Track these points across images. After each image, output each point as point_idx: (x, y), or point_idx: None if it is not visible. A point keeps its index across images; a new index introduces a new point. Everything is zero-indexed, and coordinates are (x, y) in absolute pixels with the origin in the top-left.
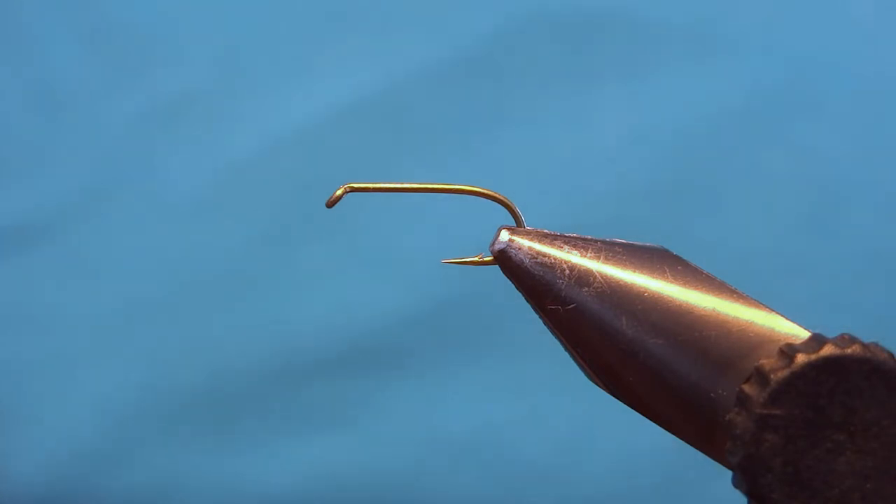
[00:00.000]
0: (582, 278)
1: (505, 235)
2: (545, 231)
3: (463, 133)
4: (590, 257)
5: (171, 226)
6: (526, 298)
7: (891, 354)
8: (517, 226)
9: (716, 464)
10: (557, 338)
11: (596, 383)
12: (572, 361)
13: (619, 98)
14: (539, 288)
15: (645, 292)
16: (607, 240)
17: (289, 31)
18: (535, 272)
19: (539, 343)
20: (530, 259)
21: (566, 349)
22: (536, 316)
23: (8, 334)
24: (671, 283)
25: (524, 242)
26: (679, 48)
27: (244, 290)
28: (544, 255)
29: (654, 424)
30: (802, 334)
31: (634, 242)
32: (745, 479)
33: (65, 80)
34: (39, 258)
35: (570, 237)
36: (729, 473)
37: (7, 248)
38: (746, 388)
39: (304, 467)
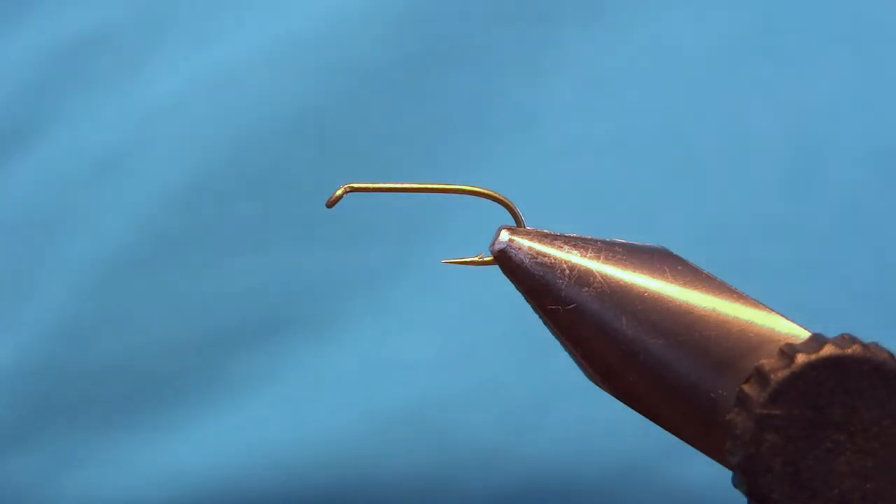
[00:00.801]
0: (582, 278)
1: (505, 235)
2: (545, 231)
3: (405, 78)
4: (590, 257)
5: (74, 182)
6: (526, 298)
7: (891, 354)
8: (517, 226)
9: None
10: (557, 338)
11: (596, 383)
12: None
13: (580, 42)
14: (539, 288)
15: (645, 292)
16: (607, 240)
17: None
18: (535, 272)
19: (485, 306)
20: (530, 259)
21: (566, 349)
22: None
23: None
24: (671, 283)
25: (524, 242)
26: None
27: (158, 255)
28: (544, 255)
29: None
30: (802, 334)
31: (634, 242)
32: (745, 479)
33: None
34: None
35: (570, 237)
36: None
37: None
38: (746, 388)
39: (226, 445)
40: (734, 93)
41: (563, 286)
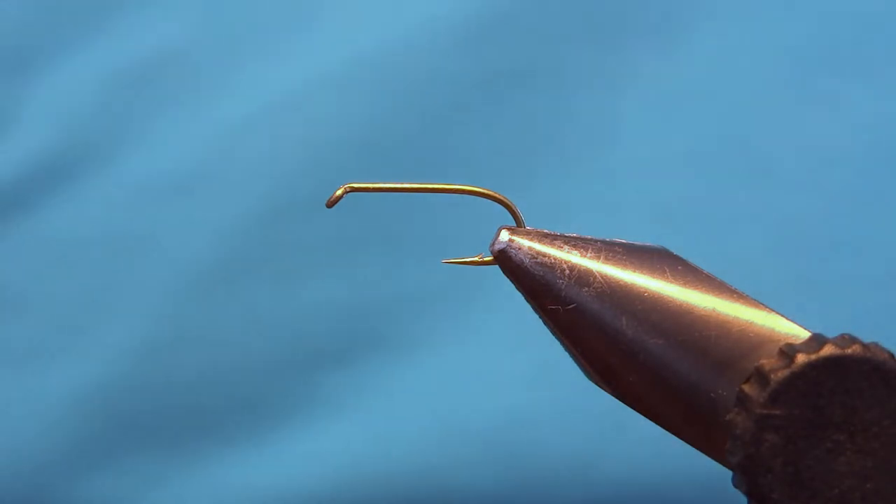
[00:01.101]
0: (582, 278)
1: (505, 235)
2: (545, 231)
3: (482, 95)
4: (590, 257)
5: (153, 201)
6: (526, 298)
7: (891, 354)
8: (517, 226)
9: None
10: (558, 338)
11: (596, 383)
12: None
13: (654, 61)
14: (539, 288)
15: (645, 292)
16: (607, 240)
17: None
18: (535, 272)
19: None
20: (530, 259)
21: (567, 349)
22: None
23: None
24: (671, 283)
25: (524, 242)
26: (716, 5)
27: (235, 275)
28: (544, 255)
29: None
30: (802, 334)
31: (634, 242)
32: (745, 479)
33: (28, 35)
34: (4, 233)
35: (570, 237)
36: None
37: None
38: (746, 388)
39: (313, 463)
40: (806, 107)
41: (563, 286)
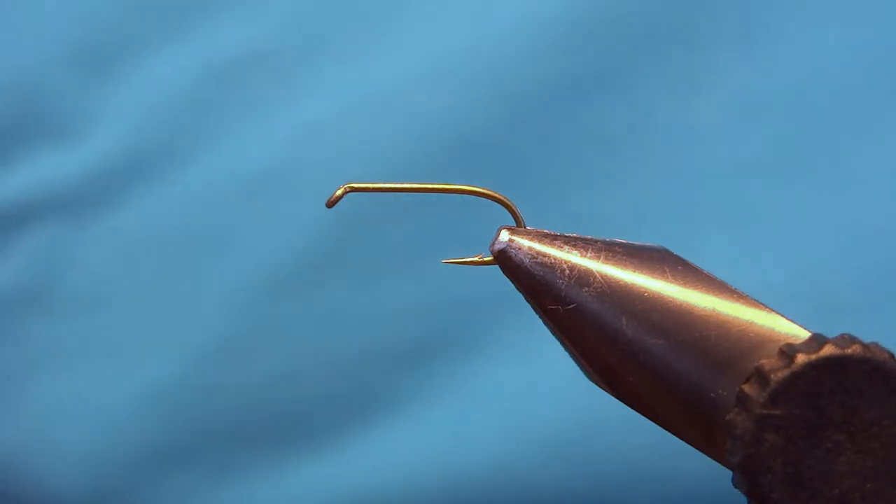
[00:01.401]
0: (582, 278)
1: (505, 235)
2: (545, 231)
3: (561, 97)
4: (590, 257)
5: (233, 200)
6: (526, 298)
7: (891, 354)
8: (517, 226)
9: None
10: (558, 338)
11: (597, 383)
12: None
13: (734, 64)
14: (539, 288)
15: (645, 292)
16: (607, 240)
17: None
18: (535, 272)
19: None
20: (530, 259)
21: (567, 349)
22: None
23: (43, 314)
24: (671, 283)
25: (524, 242)
26: (799, 8)
27: (314, 275)
28: (544, 255)
29: None
30: (802, 334)
31: (634, 242)
32: (745, 479)
33: (113, 35)
34: (86, 231)
35: (570, 237)
36: None
37: (47, 218)
38: (746, 388)
39: (387, 463)
40: (884, 114)
41: (563, 286)
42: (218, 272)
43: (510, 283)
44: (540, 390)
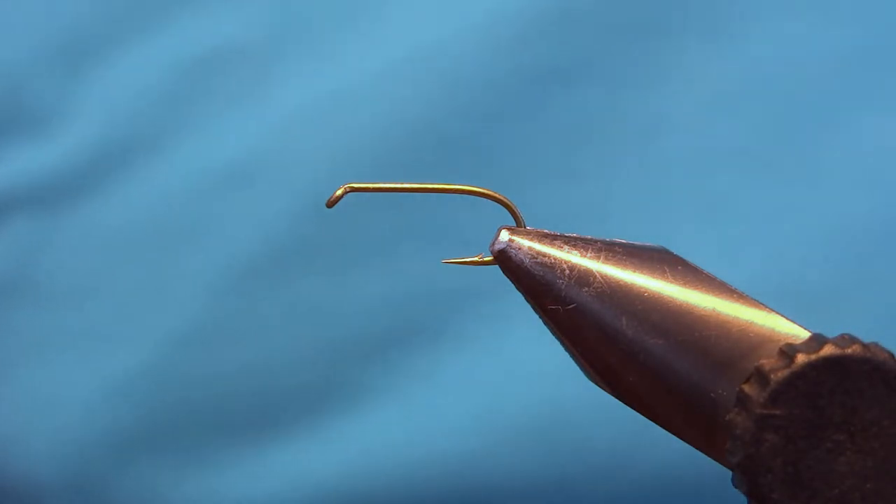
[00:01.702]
0: (582, 278)
1: (505, 235)
2: (545, 231)
3: (531, 90)
4: (590, 257)
5: (205, 193)
6: (526, 298)
7: (891, 354)
8: (517, 226)
9: None
10: (558, 338)
11: (597, 383)
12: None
13: (703, 54)
14: (539, 288)
15: (645, 292)
16: (607, 240)
17: None
18: (535, 272)
19: None
20: (530, 259)
21: (567, 349)
22: None
23: (20, 304)
24: (671, 283)
25: (524, 242)
26: (769, 2)
27: (286, 267)
28: (544, 255)
29: None
30: (802, 334)
31: (634, 242)
32: (745, 479)
33: (86, 27)
34: (61, 224)
35: (570, 237)
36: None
37: (22, 210)
38: (746, 388)
39: (355, 452)
40: (856, 106)
41: (563, 286)
42: (192, 263)
43: (479, 275)
44: (509, 381)
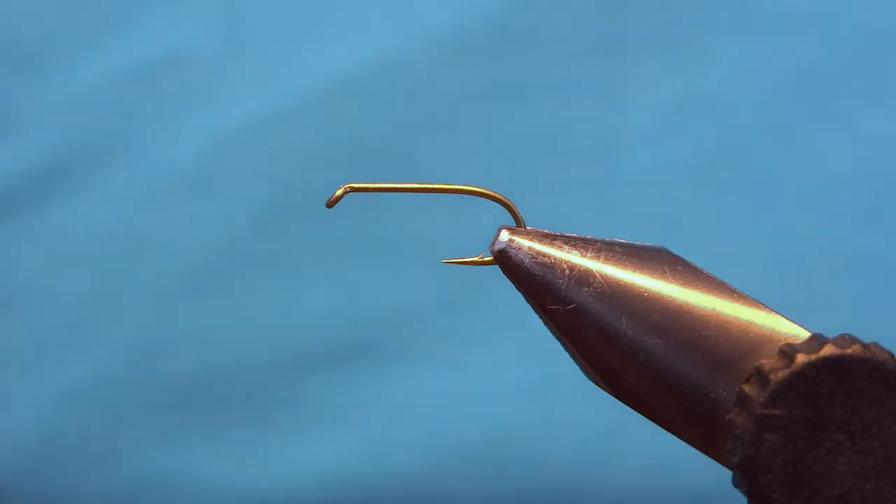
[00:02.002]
0: (582, 278)
1: (505, 235)
2: (545, 231)
3: (485, 105)
4: (590, 257)
5: (157, 201)
6: (526, 298)
7: (891, 354)
8: (517, 226)
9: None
10: (558, 338)
11: (596, 383)
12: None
13: (658, 71)
14: (539, 288)
15: (645, 292)
16: (607, 240)
17: None
18: (535, 272)
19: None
20: (530, 259)
21: (567, 349)
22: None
23: None
24: (671, 283)
25: (524, 242)
26: (726, 17)
27: (237, 276)
28: (544, 255)
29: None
30: (802, 334)
31: (634, 242)
32: (745, 479)
33: (39, 34)
34: (10, 231)
35: (570, 237)
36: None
37: None
38: (746, 388)
39: (302, 467)
40: (812, 125)
41: (563, 286)
42: (143, 272)
43: (437, 291)
44: (461, 400)
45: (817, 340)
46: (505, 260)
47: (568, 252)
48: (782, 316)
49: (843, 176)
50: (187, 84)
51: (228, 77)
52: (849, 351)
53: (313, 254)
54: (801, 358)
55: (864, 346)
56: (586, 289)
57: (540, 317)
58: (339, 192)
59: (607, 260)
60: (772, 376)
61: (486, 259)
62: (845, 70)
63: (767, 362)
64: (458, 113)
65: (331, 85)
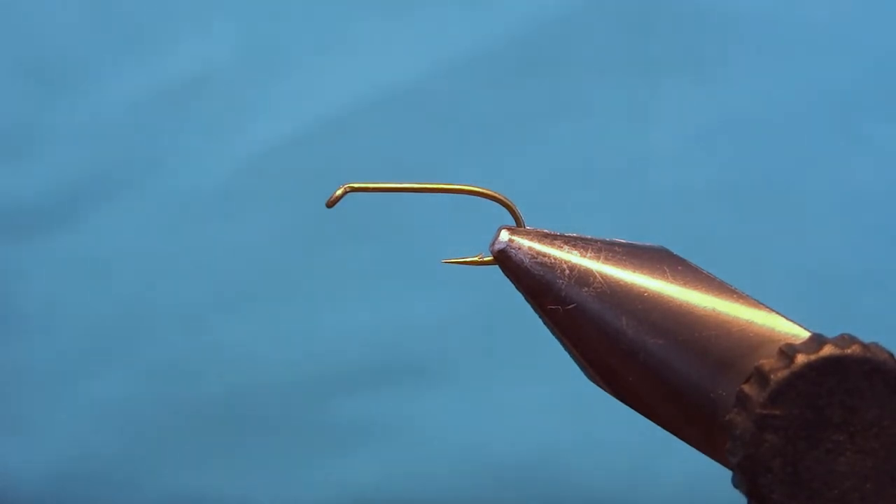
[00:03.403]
0: (582, 278)
1: (505, 235)
2: (545, 231)
3: (512, 127)
4: (590, 257)
5: (186, 220)
6: (526, 298)
7: (891, 354)
8: (517, 226)
9: None
10: (558, 338)
11: (597, 383)
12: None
13: (685, 92)
14: (539, 288)
15: (645, 292)
16: (607, 240)
17: (325, 4)
18: (535, 272)
19: None
20: (530, 259)
21: (567, 349)
22: None
23: (4, 332)
24: (671, 283)
25: (524, 242)
26: (751, 39)
27: (268, 295)
28: (544, 255)
29: None
30: (802, 334)
31: (634, 242)
32: (745, 479)
33: (66, 54)
34: (37, 250)
35: (570, 237)
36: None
37: (1, 237)
38: (746, 388)
39: (333, 489)
40: (837, 145)
41: (563, 286)
42: (172, 292)
43: (470, 311)
44: (494, 421)
45: (817, 341)
46: (505, 260)
47: (568, 252)
48: (782, 316)
49: (869, 194)
50: (217, 103)
51: (258, 97)
52: (848, 351)
53: (340, 274)
54: (800, 358)
55: (864, 346)
56: (586, 289)
57: (540, 317)
58: (338, 192)
59: (607, 260)
60: (772, 376)
61: (485, 259)
62: (870, 90)
63: (767, 362)
64: (487, 134)
65: (360, 105)
